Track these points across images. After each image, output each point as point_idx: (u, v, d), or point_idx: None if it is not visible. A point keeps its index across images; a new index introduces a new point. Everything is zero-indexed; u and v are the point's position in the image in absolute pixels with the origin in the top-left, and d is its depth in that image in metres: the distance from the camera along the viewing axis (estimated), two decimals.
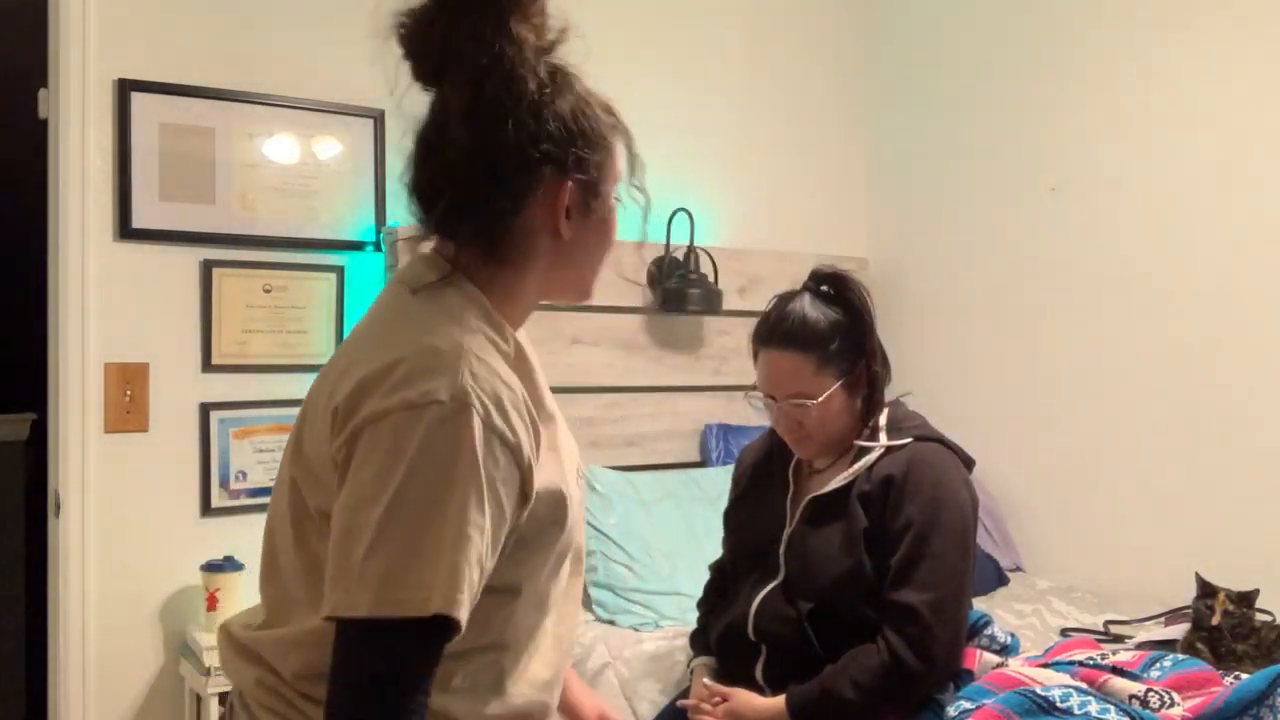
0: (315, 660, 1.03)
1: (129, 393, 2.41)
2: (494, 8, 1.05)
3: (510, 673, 1.13)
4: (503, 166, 1.07)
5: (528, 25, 1.07)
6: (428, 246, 1.16)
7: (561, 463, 1.14)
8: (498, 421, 1.00)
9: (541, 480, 1.07)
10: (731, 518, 2.02)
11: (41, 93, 2.48)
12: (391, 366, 1.00)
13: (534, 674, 1.16)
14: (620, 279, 3.06)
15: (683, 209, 3.09)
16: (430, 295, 1.08)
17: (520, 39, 1.06)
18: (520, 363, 1.11)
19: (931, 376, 3.30)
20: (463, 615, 0.97)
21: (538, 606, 1.16)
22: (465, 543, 0.97)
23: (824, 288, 1.86)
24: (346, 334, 1.18)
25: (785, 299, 1.85)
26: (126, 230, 2.40)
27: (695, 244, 3.07)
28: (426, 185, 1.10)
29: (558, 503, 1.11)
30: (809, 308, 1.81)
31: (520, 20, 1.06)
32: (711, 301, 3.08)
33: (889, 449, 1.80)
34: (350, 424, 1.00)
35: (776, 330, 1.82)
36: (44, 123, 2.45)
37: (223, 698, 2.28)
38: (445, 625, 0.97)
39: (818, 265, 1.90)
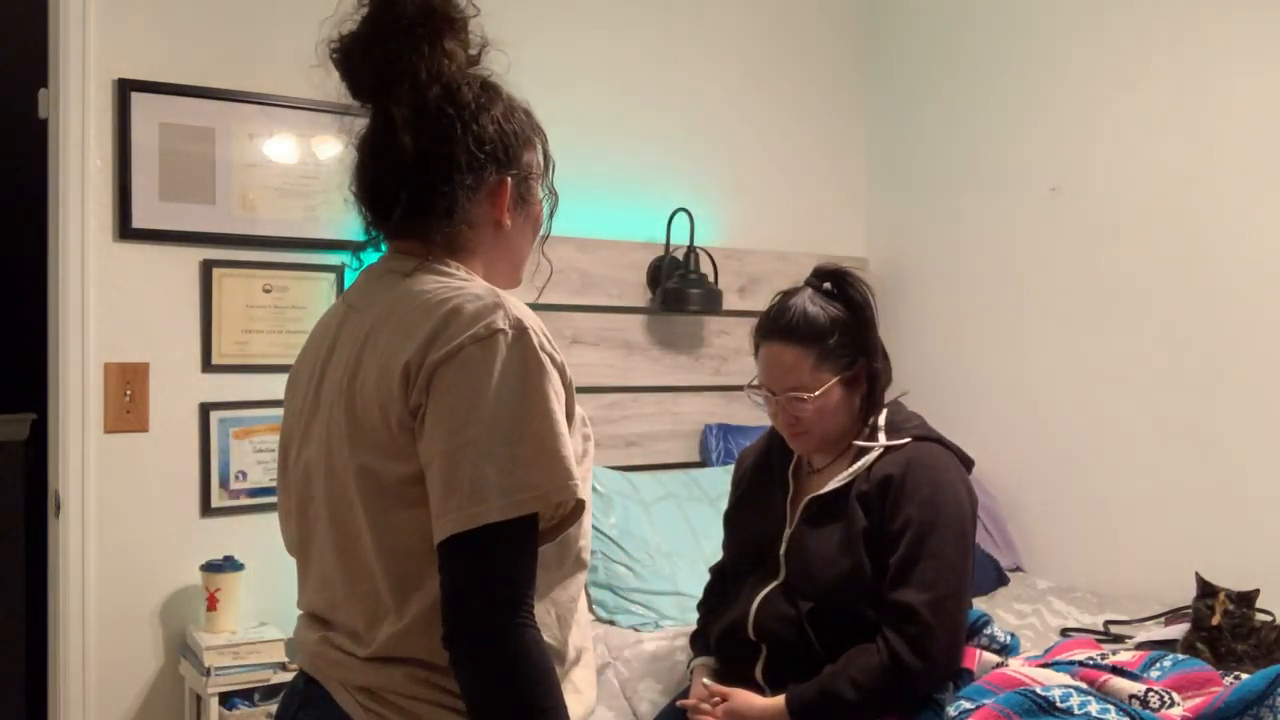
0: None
1: (129, 393, 2.41)
2: (431, 28, 1.17)
3: (576, 600, 1.21)
4: (454, 168, 1.18)
5: (457, 41, 1.20)
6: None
7: None
8: (547, 345, 1.12)
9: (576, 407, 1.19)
10: (732, 519, 2.02)
11: (41, 93, 2.47)
12: (448, 316, 1.10)
13: (584, 606, 1.25)
14: (618, 278, 3.06)
15: (683, 209, 3.09)
16: (425, 272, 1.18)
17: (453, 54, 1.19)
18: None
19: (931, 376, 3.30)
20: (583, 494, 1.10)
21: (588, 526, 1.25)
22: (560, 437, 1.08)
23: (826, 284, 1.86)
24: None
25: (787, 295, 1.86)
26: (126, 230, 2.40)
27: (695, 244, 3.07)
28: (380, 191, 1.21)
29: (584, 422, 1.22)
30: (809, 303, 1.82)
31: (451, 37, 1.19)
32: (711, 301, 3.08)
33: (888, 449, 1.80)
34: (423, 371, 1.08)
35: (777, 324, 1.83)
36: (44, 123, 2.45)
37: (224, 698, 2.28)
38: (572, 511, 1.11)
39: (821, 262, 1.90)
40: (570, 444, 1.10)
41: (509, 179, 1.22)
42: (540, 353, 1.10)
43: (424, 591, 1.11)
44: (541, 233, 1.31)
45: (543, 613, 1.14)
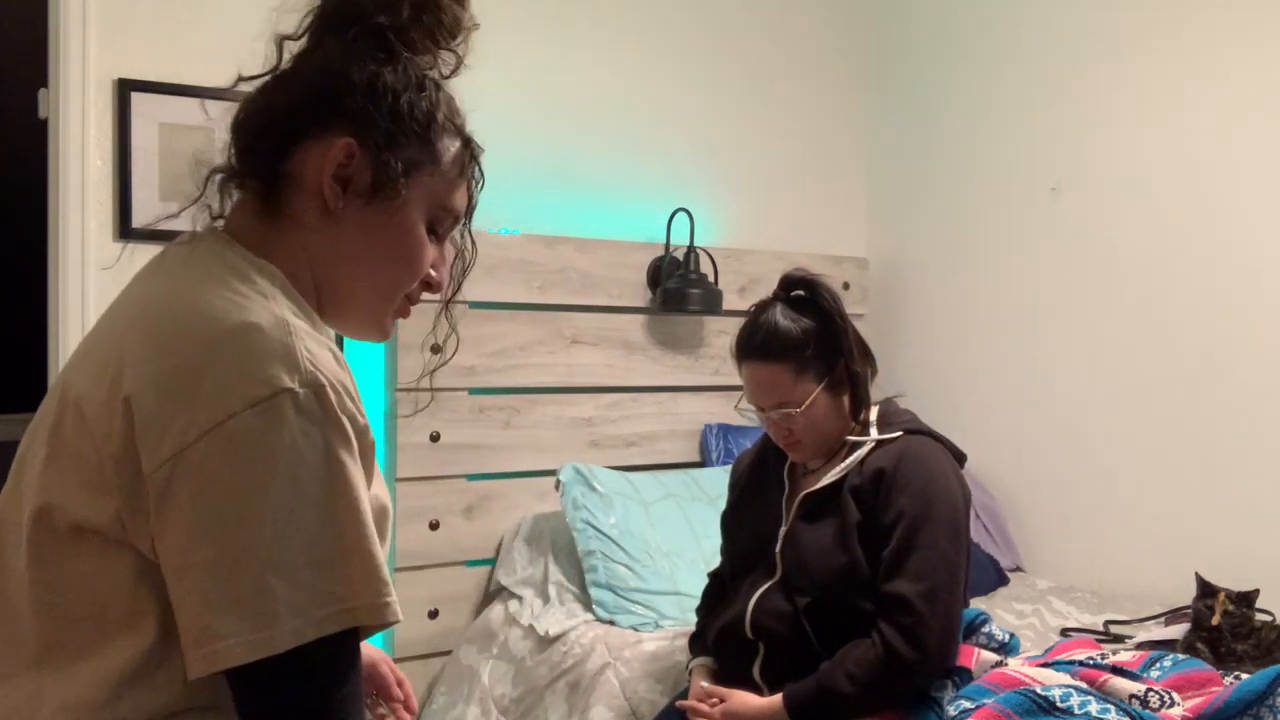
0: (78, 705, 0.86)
1: None
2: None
3: None
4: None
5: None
6: None
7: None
8: (349, 404, 0.87)
9: (373, 485, 0.94)
10: (729, 522, 2.02)
11: (41, 93, 2.47)
12: (210, 352, 0.84)
13: None
14: (618, 278, 3.06)
15: (683, 209, 3.09)
16: (191, 253, 0.96)
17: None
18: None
19: (931, 376, 3.30)
20: (394, 602, 0.87)
21: None
22: (366, 529, 0.85)
23: (797, 293, 1.87)
24: None
25: (759, 310, 1.88)
26: (126, 230, 2.40)
27: (695, 244, 3.07)
28: None
29: (384, 515, 0.96)
30: (780, 317, 1.82)
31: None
32: (711, 301, 3.07)
33: (880, 443, 1.81)
34: (172, 431, 0.82)
35: (752, 343, 1.85)
36: (44, 123, 2.45)
37: None
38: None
39: (788, 271, 1.91)
40: (377, 541, 0.86)
41: (351, 140, 0.97)
42: (340, 418, 0.85)
43: (97, 661, 0.86)
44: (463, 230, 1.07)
45: None
